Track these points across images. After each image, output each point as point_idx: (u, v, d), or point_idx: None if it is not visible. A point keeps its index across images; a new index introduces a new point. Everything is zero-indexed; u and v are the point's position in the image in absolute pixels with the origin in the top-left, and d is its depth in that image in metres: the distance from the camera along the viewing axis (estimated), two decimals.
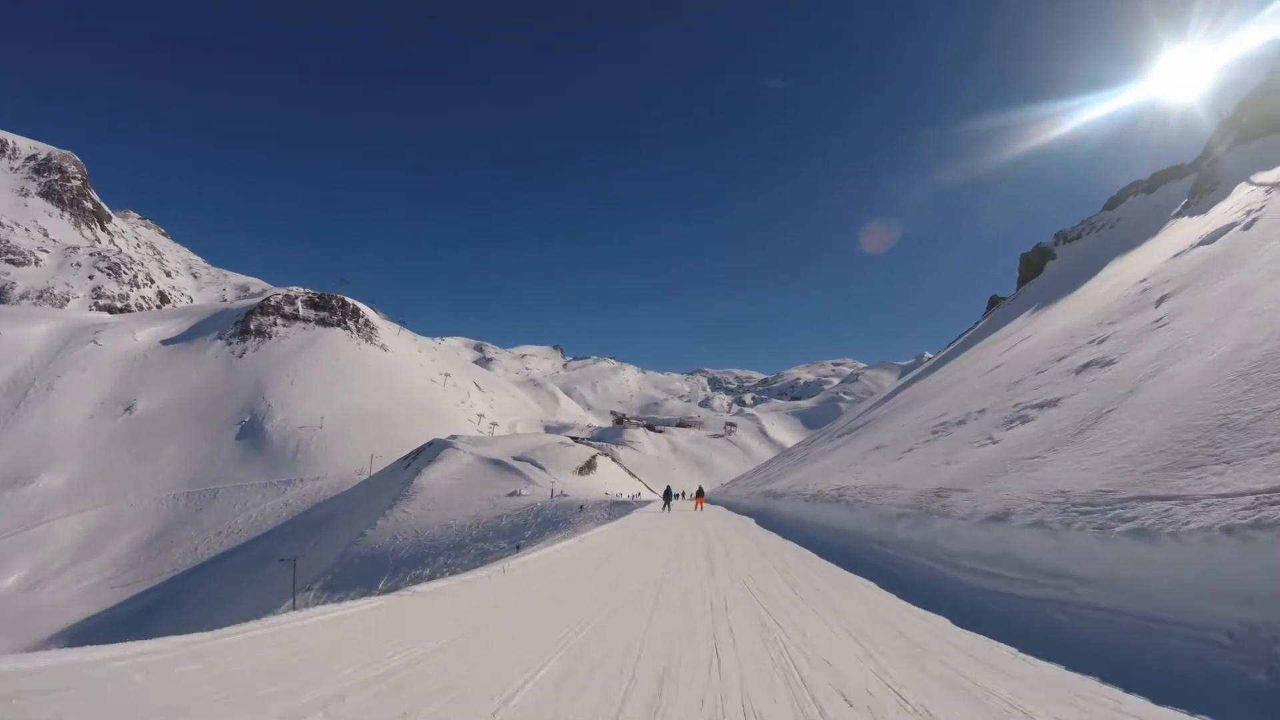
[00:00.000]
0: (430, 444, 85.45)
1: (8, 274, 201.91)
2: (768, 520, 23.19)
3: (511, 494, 58.66)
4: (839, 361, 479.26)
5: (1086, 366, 13.85)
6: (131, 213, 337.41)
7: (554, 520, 44.58)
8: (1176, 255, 21.61)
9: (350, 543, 54.57)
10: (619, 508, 45.50)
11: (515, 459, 74.59)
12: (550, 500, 53.77)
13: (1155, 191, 45.23)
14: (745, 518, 26.72)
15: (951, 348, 43.67)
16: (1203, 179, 33.59)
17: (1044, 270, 45.79)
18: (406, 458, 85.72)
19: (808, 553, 13.34)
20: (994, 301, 55.27)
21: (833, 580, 9.85)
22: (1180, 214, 32.93)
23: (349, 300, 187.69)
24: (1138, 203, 45.86)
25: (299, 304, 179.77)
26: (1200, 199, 31.54)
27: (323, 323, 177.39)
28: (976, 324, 48.66)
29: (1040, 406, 12.90)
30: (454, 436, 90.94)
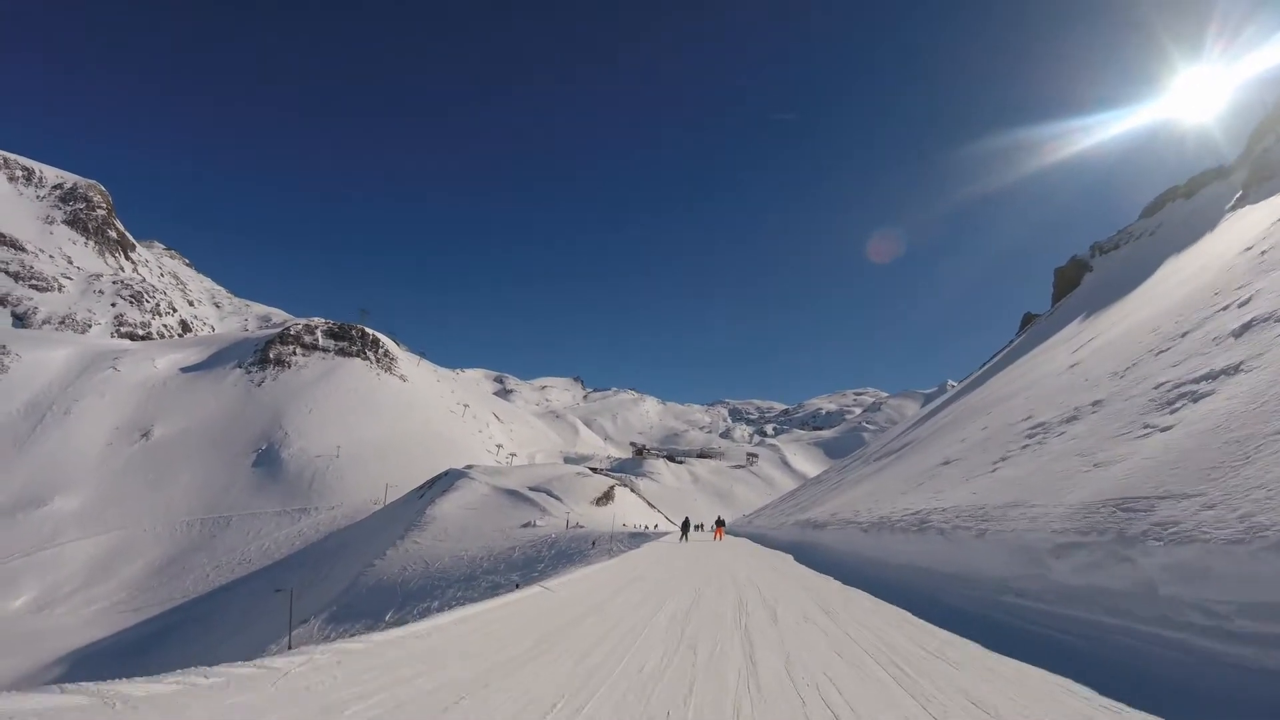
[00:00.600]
0: (445, 474, 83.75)
1: (31, 299, 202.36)
2: (811, 556, 19.07)
3: (526, 525, 56.64)
4: (860, 391, 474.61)
5: (1248, 327, 11.26)
6: (156, 243, 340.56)
7: (568, 552, 42.52)
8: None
9: (359, 573, 52.63)
10: (636, 539, 43.56)
11: (531, 489, 72.61)
12: (565, 531, 51.68)
13: (1195, 195, 43.50)
14: (780, 553, 22.36)
15: (987, 366, 41.40)
16: (1256, 170, 34.27)
17: (1081, 283, 43.73)
18: (421, 488, 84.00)
19: (894, 609, 9.19)
20: (1028, 319, 53.23)
21: (983, 672, 5.72)
22: (1236, 206, 32.57)
23: (369, 331, 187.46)
24: (1177, 208, 43.97)
25: (319, 334, 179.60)
26: (1258, 187, 31.91)
27: (342, 353, 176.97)
28: (1011, 342, 46.47)
29: (1209, 378, 9.88)
30: (469, 466, 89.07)
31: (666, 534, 49.95)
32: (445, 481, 77.26)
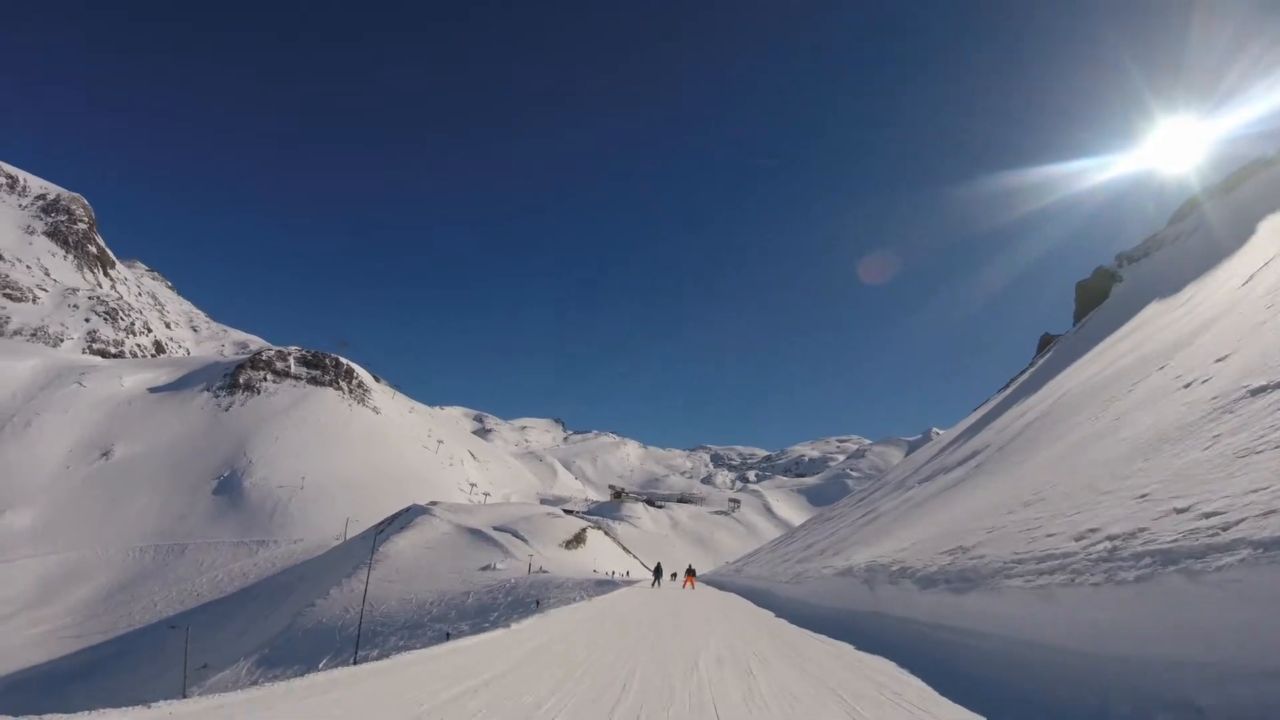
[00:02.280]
0: (407, 509, 79.66)
1: (4, 308, 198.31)
2: (866, 637, 10.81)
3: (485, 568, 52.78)
4: (844, 438, 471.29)
5: None
6: (139, 263, 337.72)
7: (524, 600, 38.86)
8: None
9: (298, 613, 48.57)
10: (602, 586, 40.31)
11: (496, 529, 68.72)
12: (527, 577, 47.87)
13: (1236, 190, 41.09)
14: (798, 629, 13.67)
15: (1012, 389, 38.02)
16: None
17: (1109, 294, 40.97)
18: (381, 524, 79.79)
19: None
20: (1046, 340, 50.52)
21: None
22: None
23: (343, 360, 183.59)
24: (1216, 205, 41.48)
25: (291, 361, 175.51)
26: None
27: (314, 381, 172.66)
28: (1030, 366, 43.60)
29: None
30: (433, 503, 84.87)
31: (637, 581, 47.13)
32: (405, 518, 73.32)
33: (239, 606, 73.60)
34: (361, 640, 40.37)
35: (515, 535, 67.58)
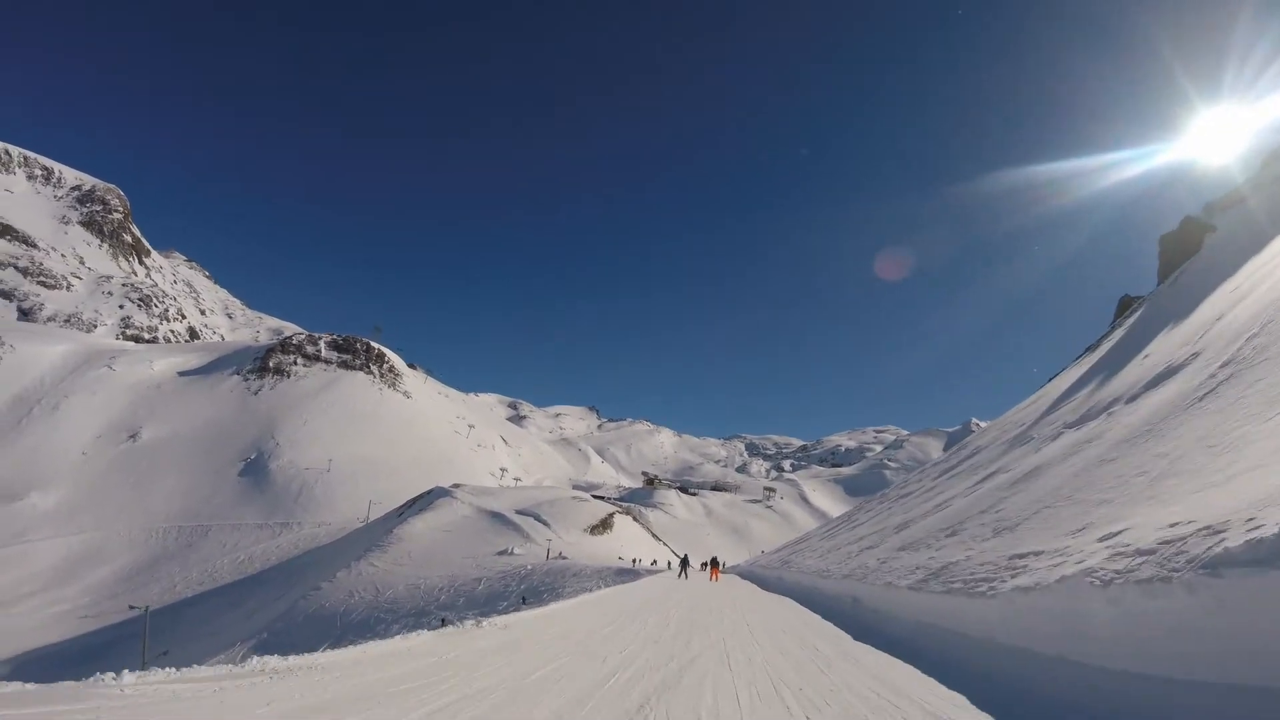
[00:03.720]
0: (430, 491, 76.61)
1: (38, 295, 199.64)
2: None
3: (502, 552, 49.27)
4: (881, 429, 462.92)
5: None
6: (177, 253, 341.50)
7: (538, 589, 35.27)
8: None
9: (301, 597, 45.41)
10: (623, 575, 36.67)
11: (518, 512, 65.19)
12: (544, 563, 44.24)
13: None
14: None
15: (1097, 357, 33.22)
16: None
17: (1202, 245, 36.11)
18: (403, 506, 76.79)
19: None
20: (1127, 302, 45.65)
21: None
22: None
23: (374, 344, 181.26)
24: None
25: (322, 345, 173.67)
26: None
27: (345, 365, 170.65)
28: (1111, 330, 38.93)
29: None
30: (456, 485, 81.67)
31: (662, 570, 43.51)
32: (426, 500, 70.19)
33: (255, 589, 71.14)
34: (362, 627, 37.04)
35: (538, 519, 64.03)
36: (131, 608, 45.23)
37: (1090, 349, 37.87)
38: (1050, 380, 37.02)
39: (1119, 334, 32.26)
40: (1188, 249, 37.86)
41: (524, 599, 30.66)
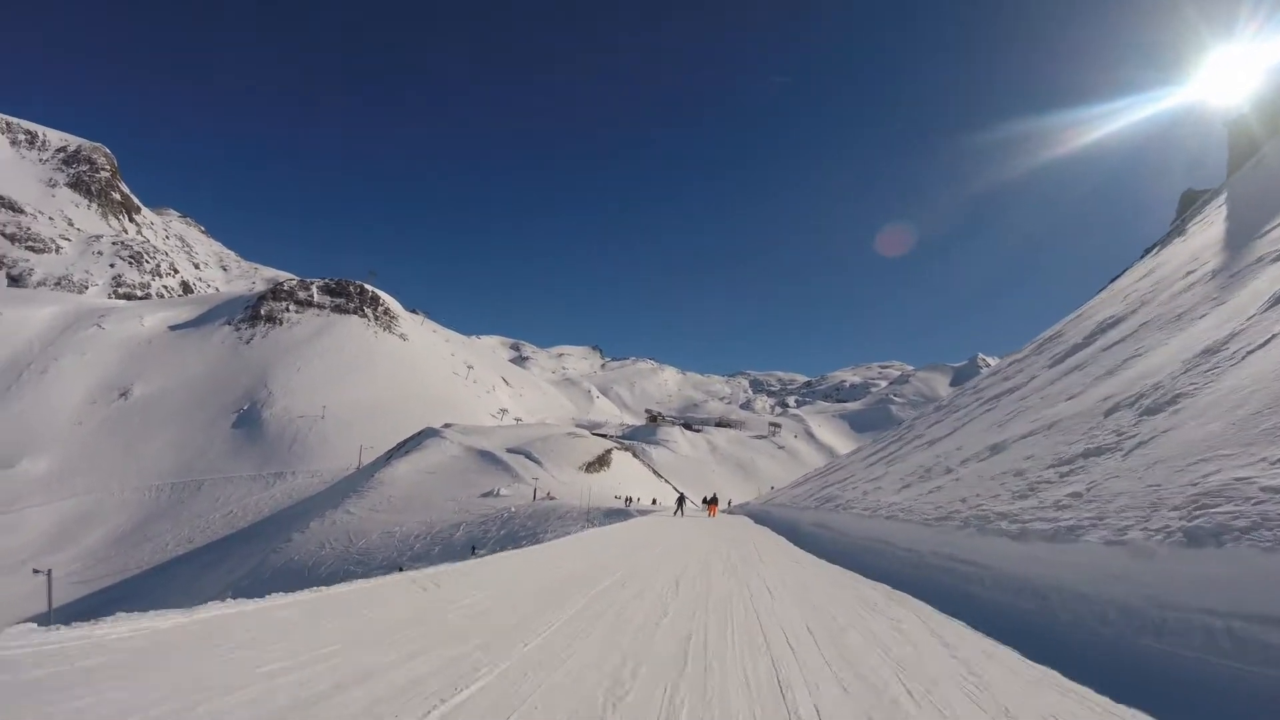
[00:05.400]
0: (420, 433, 73.77)
1: (27, 260, 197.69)
2: None
3: (487, 494, 46.48)
4: (886, 364, 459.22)
5: None
6: (170, 210, 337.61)
7: (517, 534, 32.40)
8: None
9: (272, 549, 42.74)
10: (613, 516, 33.78)
11: (509, 451, 62.39)
12: (529, 505, 41.33)
13: None
14: None
15: (1158, 250, 29.63)
16: None
17: None
18: (392, 450, 74.02)
19: None
20: (1191, 197, 42.02)
21: None
22: None
23: (368, 287, 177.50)
24: None
25: (314, 290, 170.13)
26: None
27: (338, 310, 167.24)
28: (1179, 224, 35.27)
29: None
30: (447, 425, 78.80)
31: (655, 511, 40.28)
32: (414, 442, 67.36)
33: (241, 543, 68.69)
34: (330, 580, 34.18)
35: (529, 457, 61.17)
36: (35, 571, 42.59)
37: (1152, 249, 34.09)
38: (1112, 283, 33.10)
39: (1202, 225, 28.17)
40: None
41: (473, 548, 27.61)
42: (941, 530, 9.82)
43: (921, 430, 25.21)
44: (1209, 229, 23.64)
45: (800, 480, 43.43)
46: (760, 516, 31.43)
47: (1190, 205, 37.73)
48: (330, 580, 31.92)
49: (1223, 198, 28.57)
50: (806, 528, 20.14)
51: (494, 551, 27.14)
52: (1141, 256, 34.84)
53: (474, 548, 28.22)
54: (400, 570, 26.79)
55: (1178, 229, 31.90)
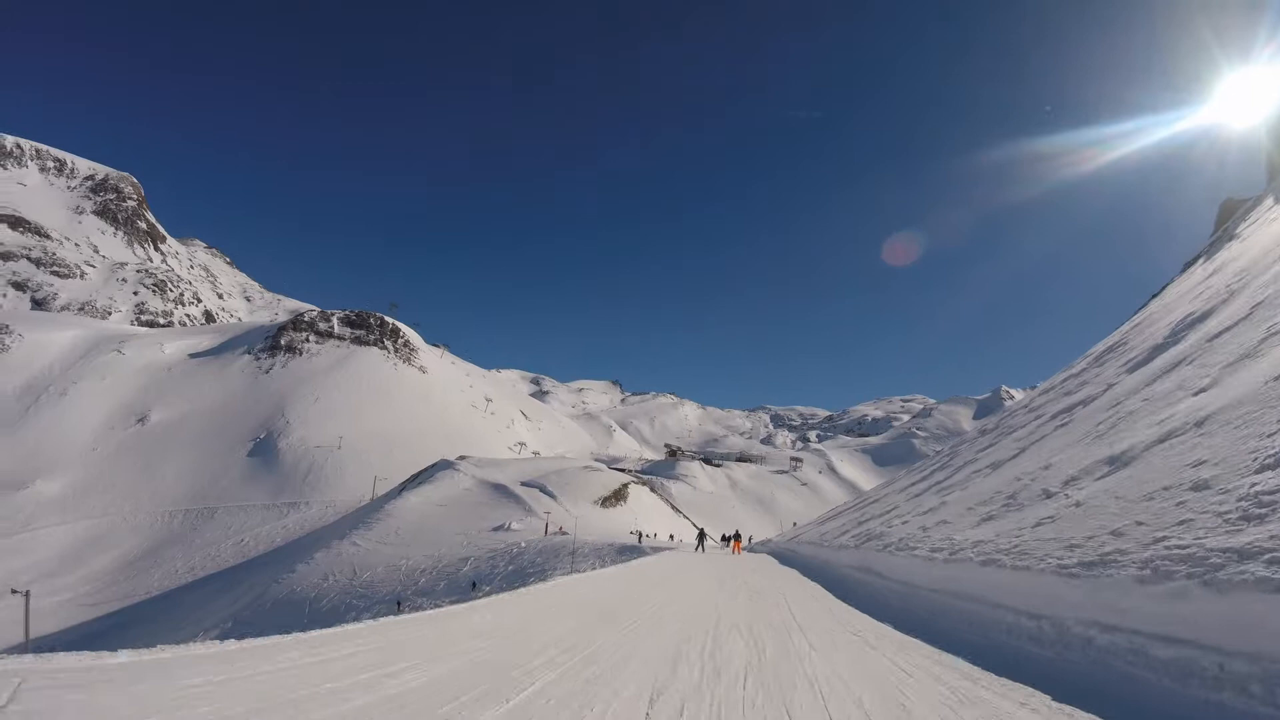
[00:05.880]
0: (434, 464, 72.42)
1: (51, 285, 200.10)
2: None
3: (498, 528, 44.88)
4: (908, 398, 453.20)
5: None
6: (197, 241, 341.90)
7: (526, 571, 30.82)
8: None
9: (274, 580, 41.34)
10: (626, 554, 32.14)
11: (524, 484, 60.82)
12: (540, 539, 39.73)
13: None
14: None
15: (1206, 258, 28.15)
16: None
17: None
18: (405, 481, 72.74)
19: None
20: (1231, 207, 40.41)
21: None
22: None
23: (388, 319, 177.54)
24: None
25: (335, 321, 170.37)
26: None
27: (358, 341, 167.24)
28: (1220, 233, 33.90)
29: None
30: (463, 457, 77.45)
31: (667, 549, 38.29)
32: (428, 473, 66.00)
33: (250, 573, 67.41)
34: (331, 615, 32.79)
35: (543, 491, 59.56)
36: (14, 591, 41.31)
37: (1196, 260, 32.55)
38: (1155, 298, 31.49)
39: (1258, 225, 26.50)
40: None
41: (474, 584, 26.03)
42: (1102, 583, 6.00)
43: (971, 455, 21.86)
44: (1274, 224, 21.97)
45: (828, 515, 39.73)
46: (786, 556, 28.13)
47: (1230, 215, 36.20)
48: (330, 614, 30.35)
49: (1270, 200, 27.12)
50: (847, 572, 16.86)
51: (500, 590, 25.63)
52: (1182, 270, 33.30)
53: (475, 584, 26.66)
54: (399, 606, 25.13)
55: (1224, 235, 30.42)
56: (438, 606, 21.05)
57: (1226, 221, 35.11)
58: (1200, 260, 30.59)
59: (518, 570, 31.37)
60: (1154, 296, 32.06)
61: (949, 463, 23.63)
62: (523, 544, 37.97)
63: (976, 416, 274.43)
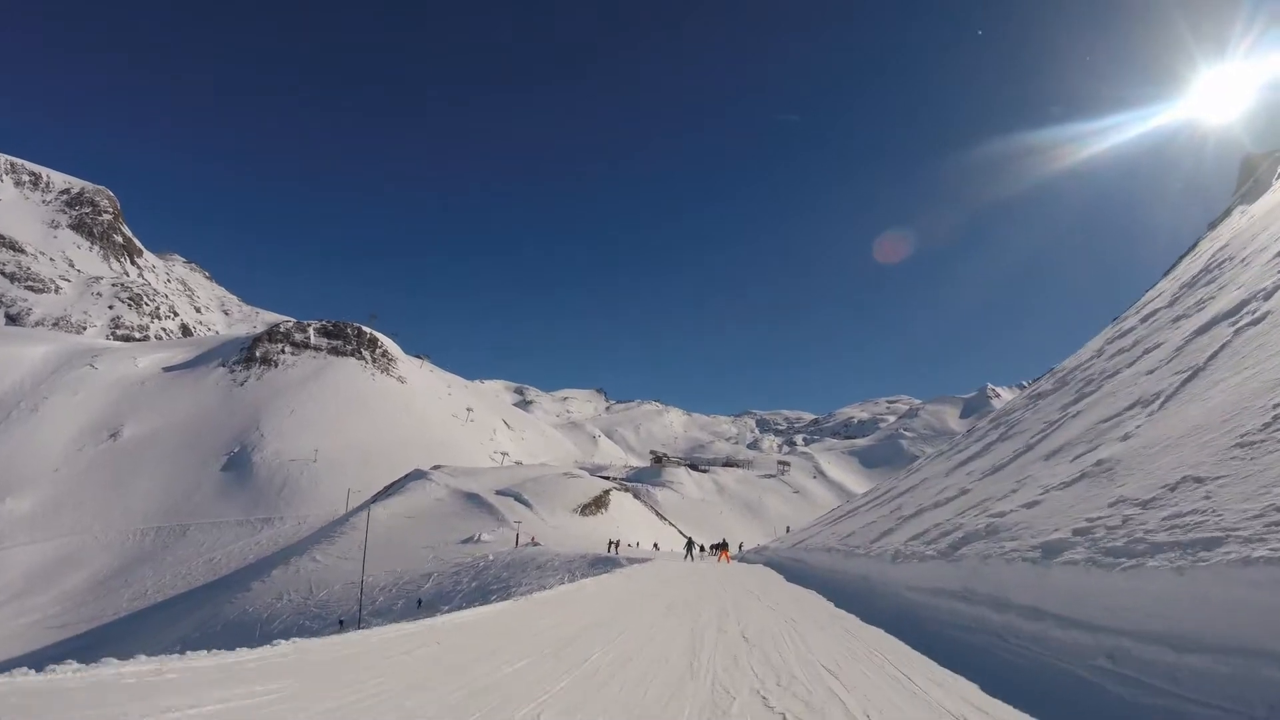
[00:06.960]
0: (407, 475, 70.33)
1: (26, 300, 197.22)
2: None
3: (468, 540, 42.98)
4: (894, 399, 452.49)
5: None
6: (175, 255, 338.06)
7: (489, 587, 28.93)
8: None
9: (227, 600, 39.21)
10: (599, 566, 30.25)
11: (498, 493, 58.87)
12: (509, 552, 37.76)
13: None
14: None
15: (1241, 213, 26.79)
16: None
17: None
18: (378, 493, 70.56)
19: None
20: (1254, 161, 39.10)
21: None
22: None
23: (365, 329, 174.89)
24: None
25: (311, 332, 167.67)
26: None
27: (335, 352, 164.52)
28: (1248, 187, 32.74)
29: None
30: (437, 466, 75.30)
31: (647, 559, 35.80)
32: (401, 484, 63.89)
33: (218, 592, 65.15)
34: (282, 636, 30.68)
35: (518, 500, 57.64)
36: None
37: (1222, 219, 31.42)
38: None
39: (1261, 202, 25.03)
40: None
41: (419, 602, 24.11)
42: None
43: (1010, 431, 18.30)
44: None
45: (843, 513, 32.30)
46: (792, 569, 22.04)
47: (1254, 169, 35.22)
48: (282, 636, 28.22)
49: None
50: (915, 598, 10.65)
51: (459, 608, 23.70)
52: (1208, 231, 32.42)
53: (420, 602, 24.73)
54: (340, 625, 23.07)
55: (1252, 188, 29.48)
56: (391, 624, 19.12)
57: (1251, 175, 34.37)
58: (1222, 220, 29.50)
59: (480, 587, 29.45)
60: (1180, 258, 30.93)
61: (984, 435, 20.39)
62: (490, 557, 36.01)
63: (963, 416, 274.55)
